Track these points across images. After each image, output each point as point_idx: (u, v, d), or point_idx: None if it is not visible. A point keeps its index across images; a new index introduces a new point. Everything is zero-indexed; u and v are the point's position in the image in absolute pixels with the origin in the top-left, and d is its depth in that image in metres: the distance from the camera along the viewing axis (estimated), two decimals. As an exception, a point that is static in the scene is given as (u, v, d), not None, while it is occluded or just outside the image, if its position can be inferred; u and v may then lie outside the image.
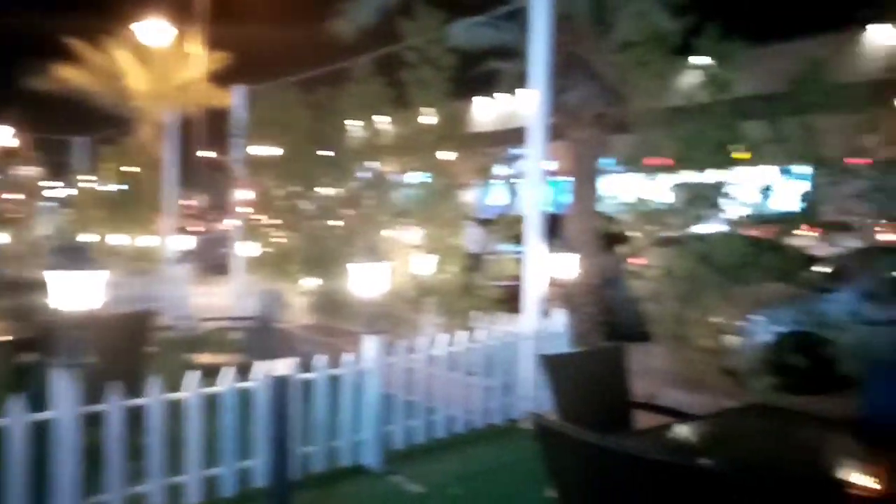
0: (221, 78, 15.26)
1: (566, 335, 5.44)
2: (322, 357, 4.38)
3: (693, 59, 6.07)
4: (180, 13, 17.39)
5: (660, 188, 6.31)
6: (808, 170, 5.97)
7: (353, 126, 8.62)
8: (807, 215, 5.98)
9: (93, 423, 3.55)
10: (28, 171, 19.69)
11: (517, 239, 6.89)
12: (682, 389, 5.11)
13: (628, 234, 6.61)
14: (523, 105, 6.51)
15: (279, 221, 9.06)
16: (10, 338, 5.03)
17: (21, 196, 17.40)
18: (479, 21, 7.94)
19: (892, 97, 6.42)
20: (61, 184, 21.93)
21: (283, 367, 3.82)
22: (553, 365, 3.30)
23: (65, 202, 19.65)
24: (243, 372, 4.06)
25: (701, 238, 5.32)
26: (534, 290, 5.47)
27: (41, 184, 20.76)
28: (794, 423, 3.23)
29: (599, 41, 7.52)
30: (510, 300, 6.18)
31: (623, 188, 6.93)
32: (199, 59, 16.46)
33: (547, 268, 5.56)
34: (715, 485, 2.05)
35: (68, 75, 15.53)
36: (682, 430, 3.17)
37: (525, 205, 5.76)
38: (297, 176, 8.58)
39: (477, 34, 7.95)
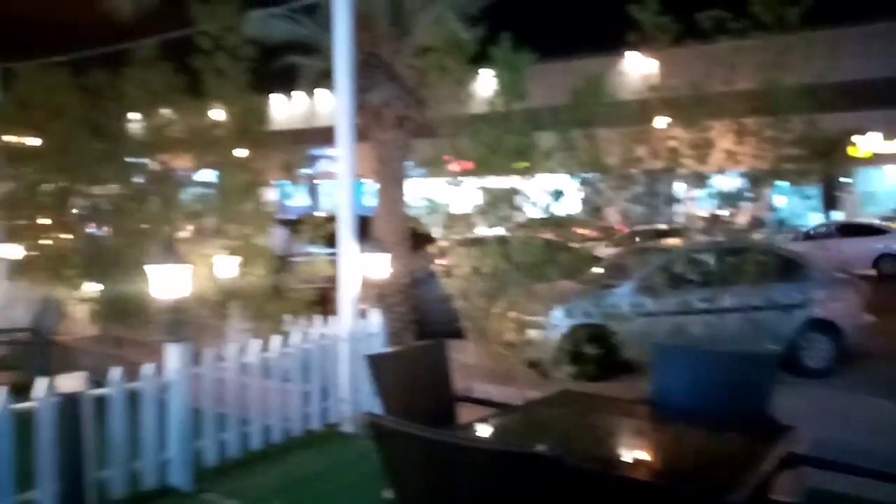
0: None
1: (382, 335, 5.45)
2: (116, 370, 3.93)
3: (488, 68, 6.41)
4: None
5: (463, 191, 6.58)
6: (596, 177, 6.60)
7: (137, 116, 7.86)
8: (587, 219, 6.60)
9: None
10: None
11: (324, 240, 6.77)
12: (494, 383, 5.36)
13: (435, 235, 6.81)
14: (323, 104, 6.40)
15: (48, 221, 7.97)
16: None
17: None
18: (276, 13, 7.69)
19: (653, 115, 7.33)
20: None
21: (71, 383, 3.37)
22: (379, 364, 3.28)
23: None
24: (20, 392, 3.49)
25: (503, 239, 5.63)
26: (349, 292, 5.40)
27: None
28: (596, 407, 3.54)
29: (399, 43, 7.67)
30: (323, 302, 6.05)
31: (428, 191, 7.12)
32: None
33: (360, 269, 5.53)
34: (550, 469, 2.16)
35: None
36: (503, 421, 3.32)
37: (337, 205, 5.67)
38: (69, 169, 7.60)
39: (275, 26, 7.70)
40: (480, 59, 6.22)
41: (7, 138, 8.21)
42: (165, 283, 4.03)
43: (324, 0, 6.16)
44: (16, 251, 8.07)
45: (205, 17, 6.33)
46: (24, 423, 3.40)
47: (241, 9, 6.53)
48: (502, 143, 6.01)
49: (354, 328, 5.34)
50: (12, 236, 8.14)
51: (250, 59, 6.53)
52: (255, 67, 6.64)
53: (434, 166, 6.66)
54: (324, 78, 6.64)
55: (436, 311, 6.52)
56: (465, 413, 3.56)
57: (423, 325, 6.60)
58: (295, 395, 4.98)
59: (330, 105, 5.69)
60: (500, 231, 6.02)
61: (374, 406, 3.24)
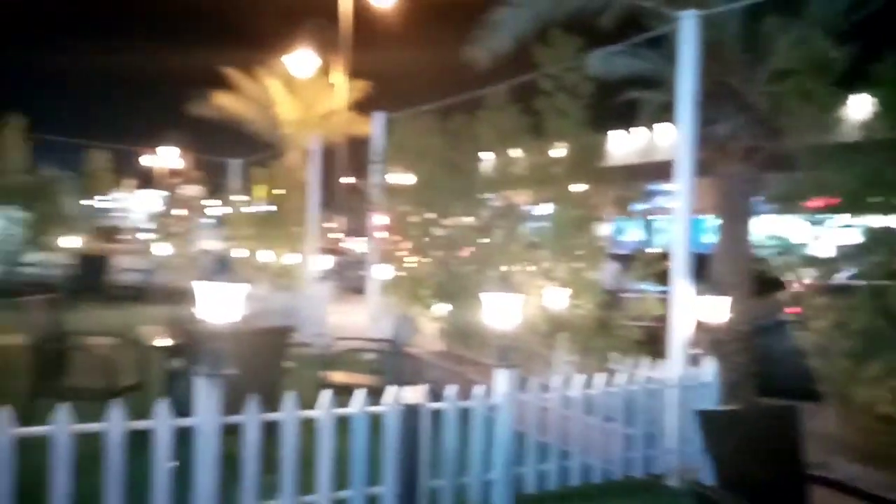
0: (362, 105, 15.97)
1: (716, 386, 4.98)
2: (452, 387, 4.27)
3: (863, 90, 5.50)
4: (325, 44, 18.44)
5: (825, 231, 5.72)
6: None
7: (486, 154, 8.61)
8: None
9: (231, 432, 3.63)
10: (190, 189, 21.49)
11: (657, 277, 6.50)
12: (859, 463, 4.47)
13: (786, 279, 6.03)
14: (663, 138, 6.15)
15: (412, 246, 9.19)
16: (166, 343, 5.33)
17: (184, 212, 18.97)
18: (617, 49, 7.67)
19: None
20: (219, 202, 23.82)
21: (413, 394, 3.74)
22: (711, 422, 2.95)
23: (220, 220, 21.27)
24: (375, 395, 4.02)
25: (880, 289, 4.70)
26: (680, 334, 5.07)
27: (202, 202, 22.56)
28: None
29: (751, 70, 7.04)
30: (651, 342, 5.80)
31: (779, 229, 6.36)
32: (341, 88, 17.32)
33: (693, 310, 5.16)
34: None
35: (225, 102, 16.90)
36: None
37: (672, 242, 5.40)
38: (431, 203, 8.66)
39: (615, 63, 7.68)
40: (852, 79, 5.39)
41: (388, 176, 9.68)
42: (499, 310, 4.25)
43: (670, 32, 5.97)
44: (386, 272, 9.47)
45: (548, 59, 6.69)
46: (375, 424, 3.89)
47: (582, 49, 6.74)
48: (883, 176, 5.08)
49: (685, 375, 4.98)
50: (385, 259, 9.58)
51: (589, 96, 6.68)
52: (593, 104, 6.78)
53: (789, 202, 5.94)
54: (664, 111, 6.43)
55: (784, 367, 5.74)
56: (819, 497, 2.98)
57: (767, 381, 5.85)
58: (617, 437, 4.83)
59: (670, 138, 5.48)
60: (873, 279, 5.06)
61: (704, 465, 2.92)
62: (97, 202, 35.64)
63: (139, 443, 3.42)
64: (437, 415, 4.12)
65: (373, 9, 20.80)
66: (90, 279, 13.20)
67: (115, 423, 3.34)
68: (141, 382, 5.30)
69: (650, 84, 7.86)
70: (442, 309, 8.27)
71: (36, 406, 4.68)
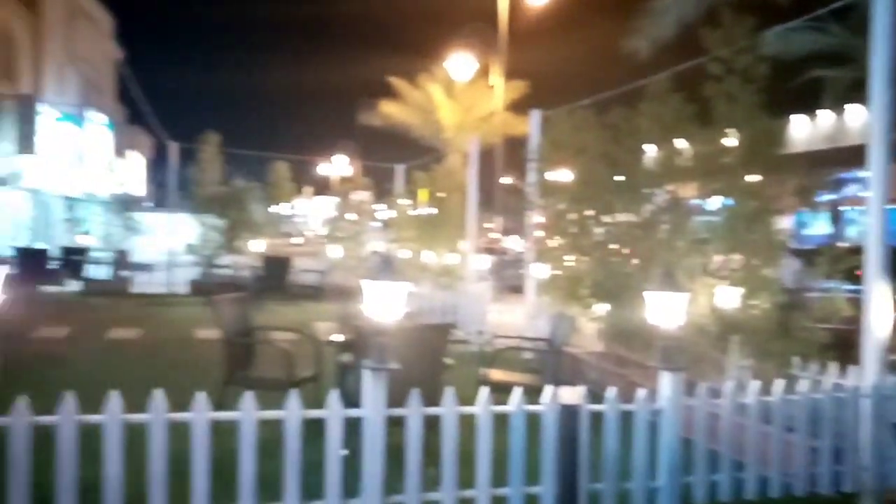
0: (519, 105, 16.00)
1: (919, 398, 4.39)
2: (613, 389, 4.14)
3: None
4: (483, 47, 18.67)
5: None
6: None
7: (648, 147, 8.22)
8: None
9: (396, 424, 3.79)
10: (360, 195, 22.81)
11: (845, 274, 5.86)
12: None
13: None
14: (853, 120, 5.50)
15: (570, 244, 9.04)
16: (338, 338, 5.69)
17: (354, 216, 20.18)
18: (797, 25, 6.97)
19: None
20: (384, 206, 25.05)
21: (572, 395, 3.67)
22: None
23: (386, 223, 22.35)
24: (533, 393, 4.00)
25: None
26: (875, 339, 4.52)
27: (370, 206, 23.85)
28: None
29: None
30: (839, 347, 5.23)
31: None
32: (499, 89, 17.46)
33: (890, 311, 4.58)
34: None
35: (391, 111, 17.74)
36: None
37: (865, 235, 4.83)
38: (590, 199, 8.44)
39: (794, 40, 7.00)
40: None
41: (545, 174, 9.59)
42: (664, 310, 4.06)
43: (860, 2, 5.34)
44: (543, 271, 9.40)
45: (717, 42, 6.24)
46: (533, 422, 3.87)
47: (755, 28, 6.22)
48: None
49: (881, 383, 4.44)
50: (542, 258, 9.52)
51: (764, 78, 6.15)
52: (770, 87, 6.23)
53: None
54: (854, 90, 5.78)
55: None
56: None
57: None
58: (799, 449, 4.40)
59: (861, 120, 4.89)
60: None
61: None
62: (280, 209, 38.98)
63: (315, 430, 3.67)
64: (596, 417, 4.01)
65: (528, 8, 20.78)
66: (274, 279, 14.43)
67: (292, 412, 3.62)
68: (316, 374, 5.70)
69: (836, 61, 7.09)
70: (601, 308, 8.04)
71: (227, 393, 5.21)
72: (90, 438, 3.34)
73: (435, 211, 14.34)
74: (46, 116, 20.44)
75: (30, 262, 13.77)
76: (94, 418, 3.33)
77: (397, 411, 3.77)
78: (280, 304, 13.11)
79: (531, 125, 10.12)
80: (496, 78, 18.69)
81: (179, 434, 3.46)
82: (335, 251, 18.57)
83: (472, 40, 17.92)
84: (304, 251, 26.27)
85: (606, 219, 8.30)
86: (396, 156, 19.51)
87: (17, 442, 3.22)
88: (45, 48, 21.42)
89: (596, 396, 4.13)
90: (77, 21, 24.95)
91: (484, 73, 18.14)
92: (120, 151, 28.73)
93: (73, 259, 14.92)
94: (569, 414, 3.49)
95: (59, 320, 10.51)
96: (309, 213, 52.14)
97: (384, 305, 3.60)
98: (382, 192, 23.12)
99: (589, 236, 8.61)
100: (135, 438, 3.38)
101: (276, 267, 15.31)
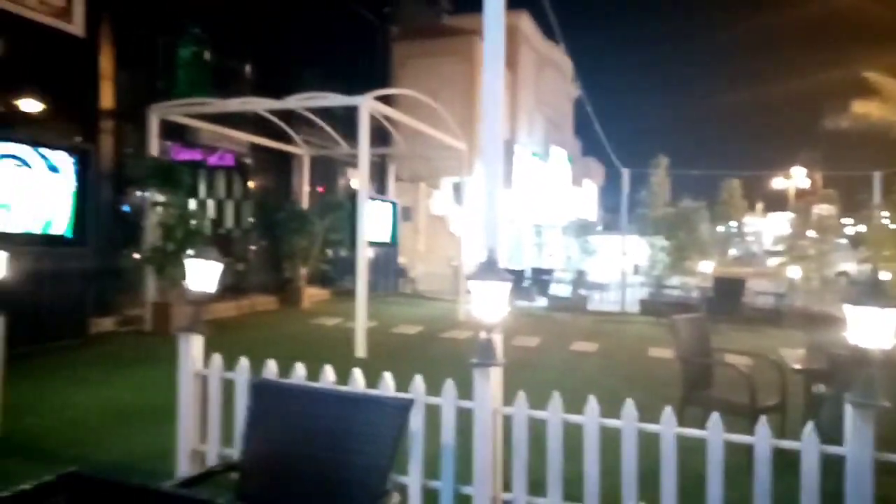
0: None
1: None
2: None
3: None
4: None
5: None
6: None
7: None
8: None
9: (886, 472, 3.32)
10: (822, 208, 20.39)
11: None
12: None
13: None
14: None
15: None
16: (806, 367, 5.25)
17: (815, 233, 18.15)
18: None
19: None
20: (851, 220, 21.79)
21: None
22: None
23: (855, 238, 19.43)
24: None
25: None
26: None
27: (835, 221, 21.12)
28: None
29: None
30: None
31: None
32: None
33: None
34: None
35: (866, 110, 15.37)
36: None
37: None
38: None
39: None
40: None
41: None
42: None
43: None
44: None
45: None
46: None
47: None
48: None
49: None
50: None
51: None
52: None
53: None
54: None
55: None
56: None
57: None
58: None
59: None
60: None
61: None
62: (729, 228, 37.36)
63: (780, 463, 3.48)
64: None
65: None
66: (726, 301, 13.90)
67: (762, 438, 3.49)
68: (781, 403, 5.34)
69: None
70: None
71: (685, 412, 5.28)
72: (569, 437, 3.82)
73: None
74: (520, 156, 23.87)
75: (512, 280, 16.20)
76: (576, 418, 3.80)
77: (890, 456, 3.30)
78: (734, 328, 12.58)
79: None
80: None
81: (643, 445, 3.67)
82: (794, 272, 16.94)
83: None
84: (759, 272, 24.60)
85: None
86: (869, 163, 16.84)
87: (520, 429, 3.88)
88: (519, 98, 25.04)
89: None
90: (544, 70, 28.52)
91: None
92: (576, 181, 31.63)
93: (541, 278, 16.96)
94: None
95: (530, 331, 12.10)
96: (762, 230, 48.72)
97: (872, 333, 3.20)
98: (851, 205, 20.13)
99: None
100: (607, 442, 3.73)
101: (728, 288, 14.72)
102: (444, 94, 19.99)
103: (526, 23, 25.62)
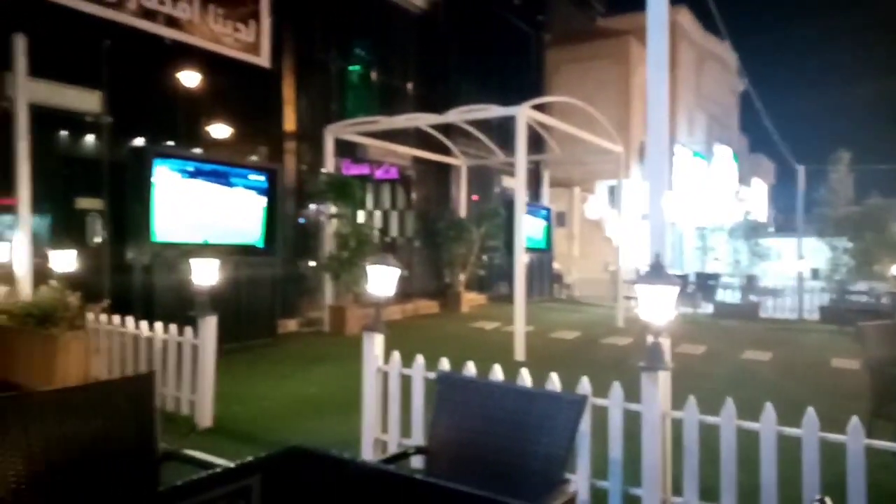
0: None
1: None
2: None
3: None
4: None
5: None
6: None
7: None
8: None
9: None
10: None
11: None
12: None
13: None
14: None
15: None
16: None
17: None
18: None
19: None
20: None
21: None
22: None
23: None
24: None
25: None
26: None
27: None
28: None
29: None
30: None
31: None
32: None
33: None
34: None
35: None
36: None
37: None
38: None
39: None
40: None
41: None
42: None
43: None
44: None
45: None
46: None
47: None
48: None
49: None
50: None
51: None
52: None
53: None
54: None
55: None
56: None
57: None
58: None
59: None
60: None
61: None
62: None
63: None
64: None
65: None
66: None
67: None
68: None
69: None
70: None
71: (873, 427, 4.91)
72: (741, 446, 3.75)
73: None
74: (680, 156, 22.96)
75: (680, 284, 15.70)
76: (750, 425, 3.73)
77: None
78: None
79: None
80: None
81: (825, 458, 3.52)
82: None
83: None
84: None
85: None
86: None
87: (690, 433, 3.88)
88: (678, 97, 24.10)
89: None
90: (705, 64, 27.23)
91: None
92: (744, 179, 29.77)
93: (707, 284, 16.22)
94: None
95: (696, 339, 11.65)
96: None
97: None
98: None
99: None
100: (784, 453, 3.62)
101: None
102: (599, 97, 19.77)
103: (685, 17, 24.63)
